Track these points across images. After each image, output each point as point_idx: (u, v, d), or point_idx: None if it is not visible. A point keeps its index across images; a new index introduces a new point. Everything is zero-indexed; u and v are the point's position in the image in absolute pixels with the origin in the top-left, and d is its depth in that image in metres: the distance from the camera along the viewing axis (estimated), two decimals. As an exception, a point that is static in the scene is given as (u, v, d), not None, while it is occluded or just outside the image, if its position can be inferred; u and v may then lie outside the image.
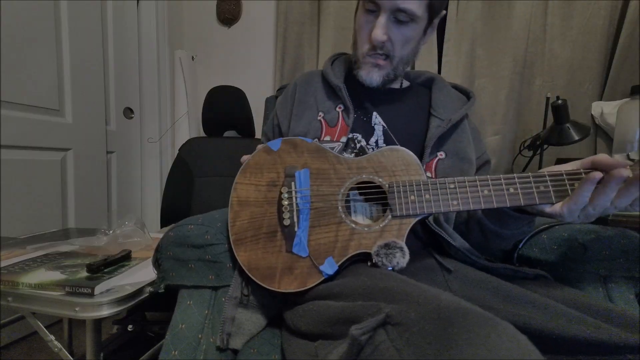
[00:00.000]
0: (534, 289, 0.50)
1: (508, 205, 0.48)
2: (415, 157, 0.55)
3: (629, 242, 0.56)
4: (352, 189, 0.56)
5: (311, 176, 0.56)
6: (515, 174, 0.49)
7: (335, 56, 0.77)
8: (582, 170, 0.46)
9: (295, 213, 0.53)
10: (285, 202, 0.54)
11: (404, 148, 0.55)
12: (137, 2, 1.79)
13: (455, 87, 0.75)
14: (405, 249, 0.49)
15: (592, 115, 1.30)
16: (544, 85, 1.44)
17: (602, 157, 0.45)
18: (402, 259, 0.49)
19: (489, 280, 0.50)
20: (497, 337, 0.27)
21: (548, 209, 0.48)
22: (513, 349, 0.27)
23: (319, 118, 0.67)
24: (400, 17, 0.59)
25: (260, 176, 0.57)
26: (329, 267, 0.51)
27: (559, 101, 1.11)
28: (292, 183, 0.55)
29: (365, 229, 0.52)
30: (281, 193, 0.55)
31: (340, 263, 0.51)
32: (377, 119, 0.67)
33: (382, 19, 0.59)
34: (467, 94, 0.73)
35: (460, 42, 1.51)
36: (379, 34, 0.60)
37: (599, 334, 0.35)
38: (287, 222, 0.53)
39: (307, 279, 0.51)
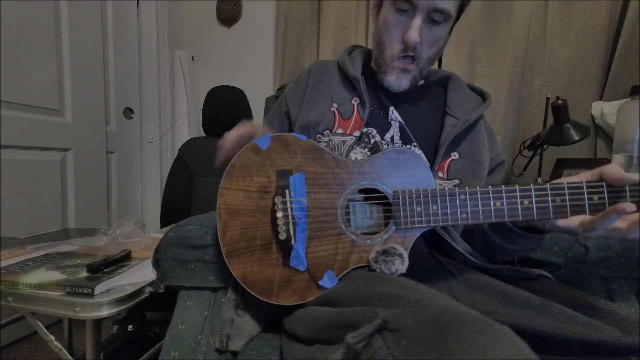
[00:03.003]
0: (536, 290, 0.50)
1: (520, 219, 0.46)
2: (424, 160, 0.51)
3: (629, 243, 0.56)
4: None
5: (307, 181, 0.51)
6: (532, 185, 0.45)
7: (352, 48, 0.74)
8: (604, 183, 0.43)
9: (291, 225, 0.50)
10: (280, 214, 0.50)
11: (411, 150, 0.51)
12: (137, 2, 1.79)
13: (470, 87, 0.73)
14: (405, 255, 0.48)
15: (592, 115, 1.30)
16: (544, 85, 1.44)
17: (613, 171, 0.41)
18: (401, 265, 0.47)
19: (494, 284, 0.49)
20: (496, 345, 0.27)
21: (561, 222, 0.46)
22: (511, 357, 0.27)
23: (332, 109, 0.64)
24: (435, 17, 0.57)
25: (249, 180, 0.51)
26: (328, 280, 0.50)
27: (559, 101, 1.11)
28: (287, 191, 0.50)
29: (368, 241, 0.50)
30: (275, 204, 0.50)
31: (340, 277, 0.50)
32: (394, 114, 0.65)
33: (417, 20, 0.57)
34: (482, 95, 0.71)
35: (460, 42, 1.51)
36: (414, 35, 0.57)
37: (603, 336, 0.35)
38: (282, 236, 0.49)
39: (306, 293, 0.50)
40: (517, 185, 0.46)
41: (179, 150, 1.36)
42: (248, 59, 1.90)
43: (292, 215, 0.50)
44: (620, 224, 0.40)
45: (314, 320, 0.44)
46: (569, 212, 0.44)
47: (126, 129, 1.78)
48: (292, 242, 0.49)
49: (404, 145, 0.62)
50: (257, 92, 1.65)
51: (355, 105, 0.64)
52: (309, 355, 0.42)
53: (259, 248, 0.50)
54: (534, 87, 1.47)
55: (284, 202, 0.50)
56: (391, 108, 0.65)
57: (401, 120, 0.65)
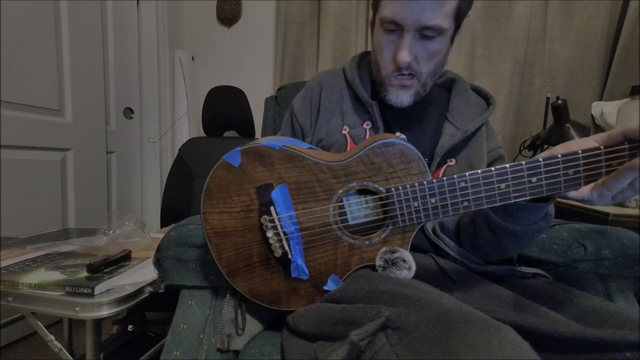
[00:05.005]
0: (532, 289, 0.50)
1: (527, 198, 0.43)
2: (415, 151, 0.48)
3: (628, 242, 0.56)
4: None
5: (291, 192, 0.48)
6: (541, 158, 0.41)
7: (359, 59, 0.71)
8: (626, 147, 0.38)
9: (284, 242, 0.48)
10: (270, 233, 0.48)
11: (400, 140, 0.48)
12: (137, 2, 1.79)
13: (475, 90, 0.72)
14: (413, 266, 0.47)
15: (592, 115, 1.30)
16: (544, 85, 1.45)
17: (636, 127, 0.37)
18: (408, 275, 0.47)
19: (492, 289, 0.49)
20: (499, 344, 0.27)
21: (572, 193, 0.42)
22: (514, 357, 0.27)
23: (343, 132, 0.64)
24: (426, 33, 0.54)
25: (229, 201, 0.48)
26: (333, 284, 0.50)
27: (559, 101, 1.11)
28: (271, 208, 0.48)
29: (366, 242, 0.50)
30: (262, 224, 0.48)
31: (344, 278, 0.50)
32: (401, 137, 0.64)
33: (406, 40, 0.54)
34: (487, 99, 0.69)
35: (460, 42, 1.51)
36: (405, 56, 0.55)
37: (599, 333, 0.35)
38: (278, 254, 0.48)
39: (314, 297, 0.50)
40: (524, 163, 0.42)
41: (179, 150, 1.36)
42: (248, 59, 1.90)
43: (284, 232, 0.48)
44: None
45: (317, 316, 0.45)
46: (582, 182, 0.40)
47: (126, 129, 1.78)
48: (289, 256, 0.49)
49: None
50: (257, 92, 1.66)
51: (368, 130, 0.64)
52: (311, 352, 0.42)
53: (258, 265, 0.50)
54: (534, 87, 1.47)
55: (272, 220, 0.48)
56: (397, 133, 0.65)
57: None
